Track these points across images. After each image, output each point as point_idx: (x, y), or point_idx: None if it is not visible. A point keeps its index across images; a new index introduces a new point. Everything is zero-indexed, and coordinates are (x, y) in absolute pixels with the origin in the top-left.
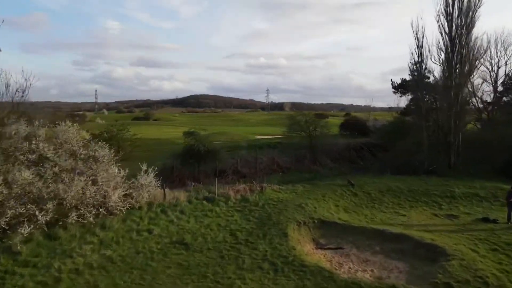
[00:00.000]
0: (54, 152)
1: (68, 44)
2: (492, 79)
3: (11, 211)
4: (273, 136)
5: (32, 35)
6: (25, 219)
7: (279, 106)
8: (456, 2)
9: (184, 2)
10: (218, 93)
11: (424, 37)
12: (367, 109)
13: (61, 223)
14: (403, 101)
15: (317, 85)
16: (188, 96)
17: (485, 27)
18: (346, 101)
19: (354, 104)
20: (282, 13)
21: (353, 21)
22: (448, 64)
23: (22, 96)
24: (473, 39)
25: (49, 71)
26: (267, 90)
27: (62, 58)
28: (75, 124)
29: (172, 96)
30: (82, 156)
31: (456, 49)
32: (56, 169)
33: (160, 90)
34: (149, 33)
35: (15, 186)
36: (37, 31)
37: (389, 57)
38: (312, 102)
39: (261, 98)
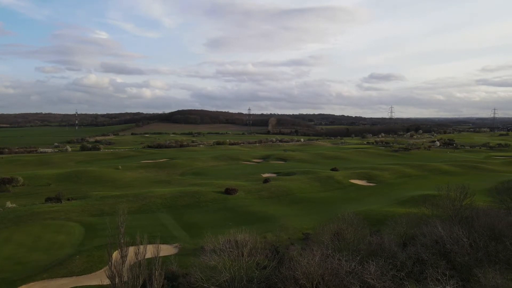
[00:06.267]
0: None
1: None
2: None
3: None
4: None
5: None
6: None
7: (265, 121)
8: None
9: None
10: (200, 101)
11: None
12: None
13: None
14: None
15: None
16: (175, 111)
17: None
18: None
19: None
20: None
21: (298, 29)
22: None
23: None
24: None
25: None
26: (249, 109)
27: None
28: None
29: (158, 109)
30: None
31: None
32: None
33: (140, 97)
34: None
35: None
36: None
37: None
38: (297, 113)
39: (244, 107)
